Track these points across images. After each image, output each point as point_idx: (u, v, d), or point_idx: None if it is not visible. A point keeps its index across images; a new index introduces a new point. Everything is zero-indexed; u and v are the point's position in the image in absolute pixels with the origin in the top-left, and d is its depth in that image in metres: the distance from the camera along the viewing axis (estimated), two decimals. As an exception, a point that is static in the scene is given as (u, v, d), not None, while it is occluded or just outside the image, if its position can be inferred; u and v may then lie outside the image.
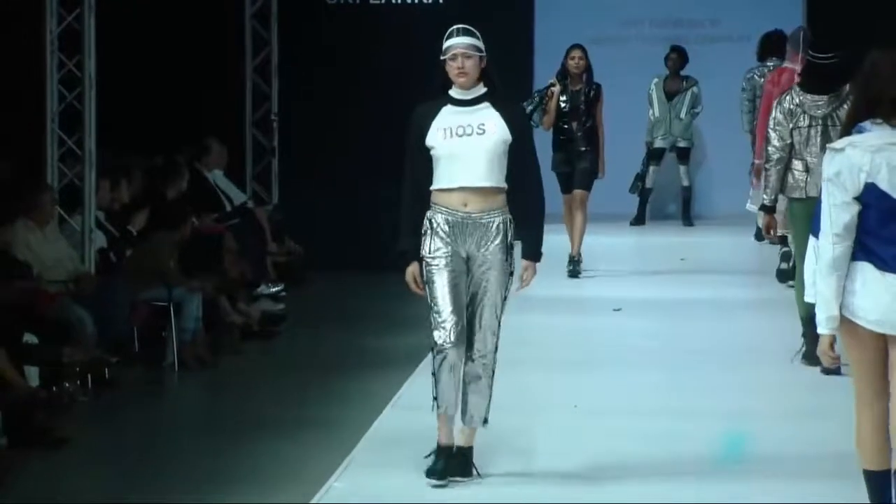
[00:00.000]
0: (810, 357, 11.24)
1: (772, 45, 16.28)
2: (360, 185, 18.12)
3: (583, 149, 15.65)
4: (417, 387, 10.83)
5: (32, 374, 11.27)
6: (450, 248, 8.45)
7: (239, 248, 15.56)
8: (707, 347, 12.79)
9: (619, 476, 8.89)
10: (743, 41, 18.34)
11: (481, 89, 8.52)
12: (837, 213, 7.16)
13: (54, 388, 11.39)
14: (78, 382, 11.79)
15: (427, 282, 8.49)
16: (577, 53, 15.74)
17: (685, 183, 19.36)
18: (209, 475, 9.75)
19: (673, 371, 11.84)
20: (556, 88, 15.49)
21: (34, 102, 13.98)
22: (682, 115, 18.91)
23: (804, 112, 11.33)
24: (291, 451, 10.18)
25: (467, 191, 8.43)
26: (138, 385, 12.71)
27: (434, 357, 8.43)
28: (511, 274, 8.59)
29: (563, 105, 15.60)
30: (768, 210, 11.74)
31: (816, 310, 7.30)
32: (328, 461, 9.19)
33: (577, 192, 15.74)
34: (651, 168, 18.86)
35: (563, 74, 15.70)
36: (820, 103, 11.22)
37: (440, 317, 8.42)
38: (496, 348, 8.54)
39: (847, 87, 9.90)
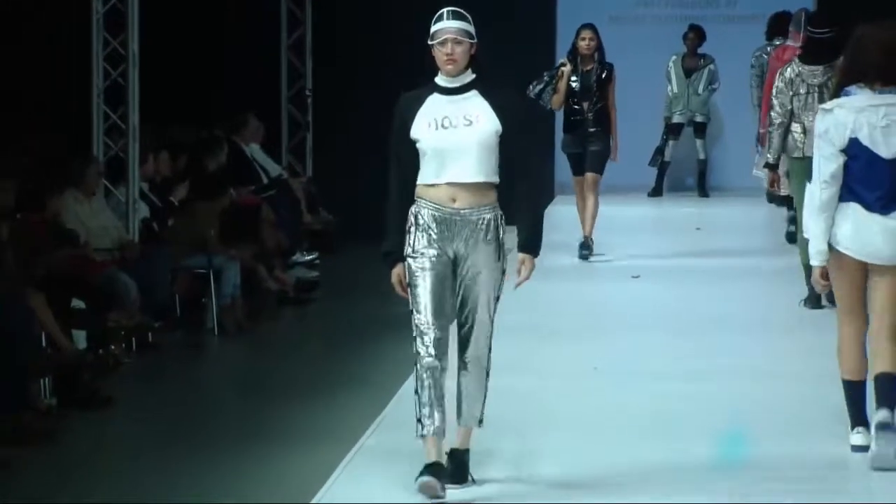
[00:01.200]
0: (813, 301, 12.34)
1: (778, 26, 16.52)
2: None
3: (593, 129, 14.77)
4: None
5: (80, 338, 11.32)
6: (436, 247, 7.42)
7: (275, 219, 15.62)
8: (722, 312, 12.82)
9: (636, 437, 8.93)
10: (757, 21, 18.30)
11: (469, 76, 7.47)
12: (826, 164, 8.13)
13: (100, 351, 11.49)
14: (123, 345, 11.92)
15: (410, 284, 7.51)
16: (587, 34, 14.78)
17: (701, 156, 19.35)
18: (247, 433, 9.83)
19: (688, 335, 11.86)
20: (567, 68, 14.61)
21: (81, 79, 14.05)
22: (700, 90, 18.93)
23: (803, 81, 12.14)
24: (326, 409, 10.24)
25: (456, 186, 7.39)
26: (179, 348, 12.79)
27: (416, 371, 7.55)
28: (503, 273, 7.54)
29: (573, 85, 14.70)
30: (772, 167, 12.53)
31: (809, 246, 8.32)
32: (361, 419, 9.21)
33: (589, 176, 14.90)
34: (670, 142, 18.91)
35: (574, 55, 14.77)
36: (816, 73, 12.00)
37: (422, 326, 7.49)
38: (490, 349, 7.57)
39: (840, 58, 10.00)
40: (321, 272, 15.53)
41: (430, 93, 7.51)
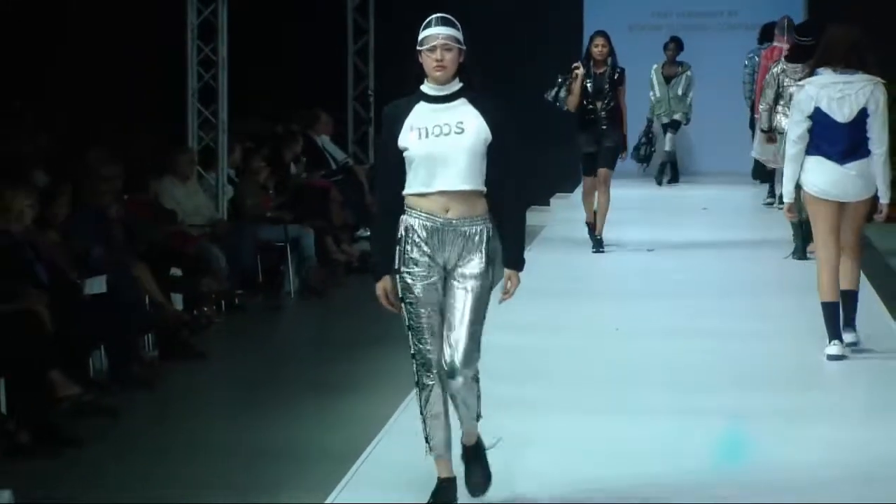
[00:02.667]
0: (798, 252, 13.34)
1: (768, 33, 17.14)
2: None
3: (605, 127, 13.94)
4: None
5: (177, 301, 11.37)
6: (427, 259, 6.41)
7: (342, 199, 15.69)
8: (721, 279, 12.85)
9: (651, 385, 9.00)
10: (756, 28, 18.28)
11: (457, 84, 6.47)
12: (795, 126, 9.51)
13: (195, 312, 11.56)
14: (213, 307, 11.98)
15: (404, 299, 6.46)
16: (600, 41, 14.02)
17: (668, 148, 19.18)
18: (318, 382, 9.88)
19: (697, 299, 11.89)
20: (581, 71, 13.80)
21: (178, 81, 14.14)
22: (679, 93, 18.84)
23: (788, 76, 13.33)
24: (385, 362, 10.24)
25: (448, 195, 6.38)
26: (261, 310, 12.79)
27: (419, 394, 6.50)
28: (491, 287, 6.55)
29: (587, 87, 13.88)
30: (766, 132, 14.06)
31: (783, 188, 9.78)
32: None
33: (602, 171, 14.08)
34: (667, 136, 18.93)
35: (588, 59, 14.01)
36: (797, 69, 12.92)
37: (422, 349, 6.45)
38: (478, 356, 6.48)
39: None
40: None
41: (417, 101, 6.52)
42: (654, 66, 18.67)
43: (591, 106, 13.95)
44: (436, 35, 6.43)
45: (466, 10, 19.20)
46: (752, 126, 16.53)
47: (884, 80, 9.39)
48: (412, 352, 6.48)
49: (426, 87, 6.49)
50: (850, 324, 9.64)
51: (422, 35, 6.48)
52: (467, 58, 6.46)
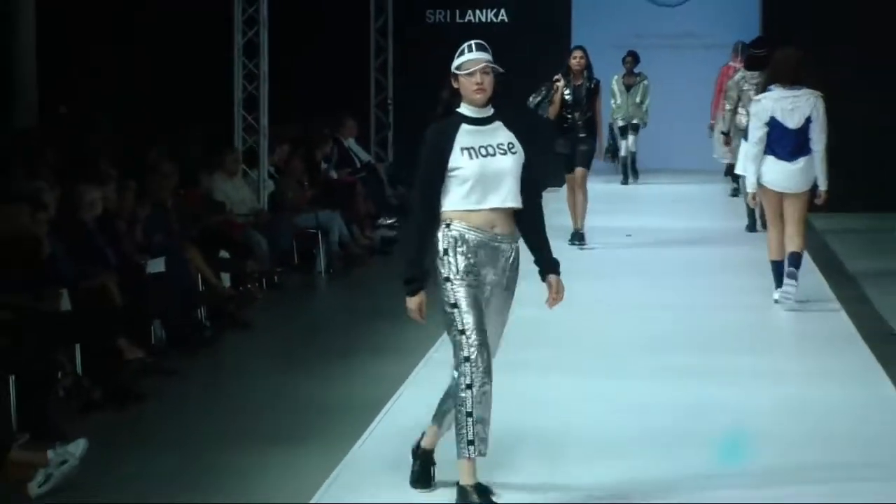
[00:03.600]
0: (751, 227, 14.06)
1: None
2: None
3: (582, 135, 13.37)
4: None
5: (226, 279, 11.36)
6: (475, 270, 5.96)
7: (366, 192, 15.70)
8: (689, 261, 12.86)
9: (628, 348, 9.03)
10: (718, 48, 18.26)
11: (491, 108, 6.09)
12: (755, 132, 10.17)
13: (241, 288, 11.54)
14: (256, 284, 11.92)
15: (456, 306, 5.92)
16: (578, 54, 13.46)
17: (632, 149, 18.87)
18: (348, 347, 9.91)
19: (667, 277, 11.92)
20: (561, 83, 13.22)
21: (226, 92, 14.17)
22: (637, 100, 18.58)
23: (746, 82, 13.62)
24: (404, 331, 10.24)
25: (497, 212, 5.98)
26: (298, 286, 12.78)
27: (470, 394, 5.84)
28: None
29: (566, 97, 13.26)
30: (726, 135, 14.31)
31: (745, 182, 10.47)
32: (429, 339, 9.29)
33: (579, 170, 13.47)
34: (625, 140, 18.70)
35: (567, 71, 13.35)
36: (755, 76, 13.13)
37: (474, 351, 5.87)
38: None
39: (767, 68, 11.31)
40: (399, 232, 15.61)
41: (460, 123, 6.06)
42: (615, 77, 18.38)
43: (569, 114, 13.39)
44: (477, 60, 6.05)
45: (479, 34, 19.27)
46: (711, 128, 16.69)
47: (822, 94, 10.12)
48: (466, 355, 5.86)
49: (466, 110, 6.07)
50: (793, 275, 10.26)
51: (460, 60, 6.10)
52: (498, 82, 6.07)
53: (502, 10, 19.07)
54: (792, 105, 10.01)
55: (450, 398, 6.03)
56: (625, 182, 18.88)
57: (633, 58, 18.52)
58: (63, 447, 6.60)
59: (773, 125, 10.06)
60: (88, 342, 8.40)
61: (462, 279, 5.93)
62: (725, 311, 10.38)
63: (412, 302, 6.03)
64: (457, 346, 5.89)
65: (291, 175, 14.23)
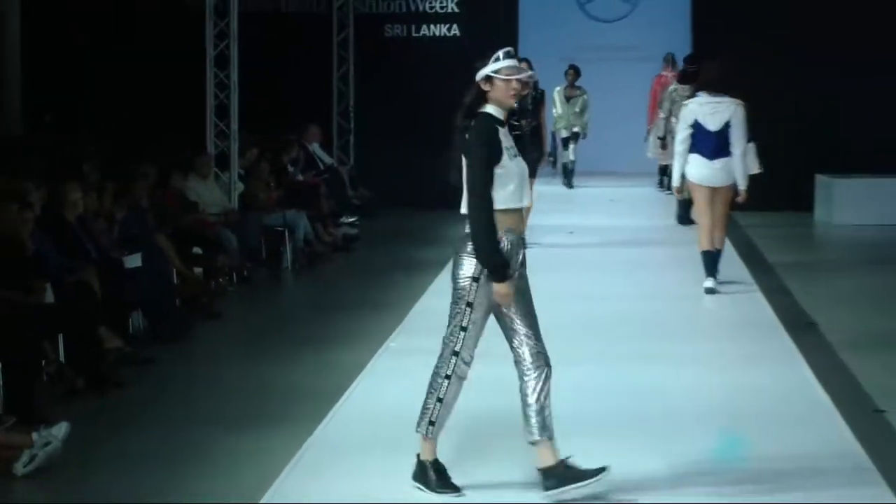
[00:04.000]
0: (681, 220, 14.22)
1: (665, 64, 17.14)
2: (410, 152, 18.23)
3: (528, 143, 12.76)
4: (442, 281, 10.97)
5: (198, 273, 11.33)
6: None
7: (328, 193, 15.67)
8: (626, 254, 12.93)
9: (572, 333, 9.05)
10: (654, 60, 18.37)
11: None
12: (681, 133, 10.52)
13: (212, 282, 11.54)
14: (227, 278, 11.92)
15: (471, 305, 5.67)
16: (522, 65, 13.66)
17: (571, 157, 18.73)
18: (312, 337, 9.87)
19: (608, 271, 11.98)
20: None
21: (199, 100, 14.11)
22: (577, 110, 18.42)
23: (679, 94, 14.10)
24: (362, 321, 10.29)
25: (523, 211, 5.82)
26: (266, 281, 12.75)
27: (447, 384, 5.72)
28: None
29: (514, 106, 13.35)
30: (661, 139, 14.99)
31: (673, 176, 10.72)
32: (387, 328, 9.32)
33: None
34: (569, 147, 18.59)
35: None
36: (686, 89, 13.57)
37: (468, 348, 5.72)
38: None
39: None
40: (360, 230, 15.61)
41: (495, 123, 5.79)
42: (557, 89, 18.21)
43: (516, 123, 12.72)
44: (516, 68, 5.79)
45: (433, 47, 19.33)
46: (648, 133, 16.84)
47: (743, 102, 10.45)
48: (457, 349, 5.67)
49: (495, 111, 5.80)
50: (713, 273, 10.70)
51: (500, 65, 5.77)
52: None
53: (454, 25, 19.10)
54: (713, 110, 10.38)
55: (533, 408, 5.70)
56: (569, 186, 18.76)
57: (574, 71, 18.41)
58: (47, 430, 6.58)
59: (697, 128, 10.43)
60: (71, 332, 8.35)
61: (486, 284, 5.63)
62: (660, 300, 10.44)
63: (505, 287, 5.61)
64: (451, 338, 5.69)
65: (260, 177, 14.17)
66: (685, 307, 10.13)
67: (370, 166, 18.38)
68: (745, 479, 5.84)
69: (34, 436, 6.51)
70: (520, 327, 5.73)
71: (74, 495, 6.31)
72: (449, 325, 5.74)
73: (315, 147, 17.01)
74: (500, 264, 5.62)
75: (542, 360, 5.71)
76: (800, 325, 9.74)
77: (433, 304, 10.11)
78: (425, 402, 5.77)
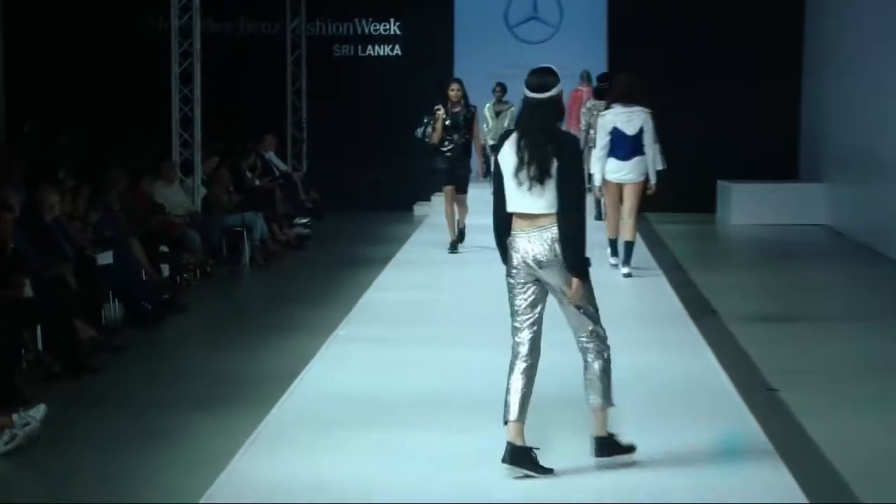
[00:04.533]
0: (598, 217, 13.76)
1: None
2: (356, 160, 18.23)
3: (459, 158, 12.45)
4: (386, 276, 10.98)
5: (165, 269, 11.28)
6: None
7: (283, 197, 15.61)
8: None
9: (491, 322, 9.04)
10: (576, 77, 18.35)
11: None
12: (601, 139, 10.75)
13: (178, 278, 11.48)
14: (192, 274, 11.86)
15: (593, 296, 5.64)
16: (455, 85, 12.43)
17: None
18: (268, 326, 9.85)
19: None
20: (441, 112, 12.31)
21: (164, 113, 14.01)
22: (506, 124, 17.26)
23: (595, 108, 13.62)
24: (313, 311, 10.30)
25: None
26: (226, 276, 12.69)
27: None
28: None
29: (447, 123, 12.26)
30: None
31: (594, 178, 10.80)
32: (336, 318, 9.25)
33: (459, 197, 12.52)
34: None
35: (446, 101, 12.38)
36: (601, 105, 13.11)
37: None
38: None
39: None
40: (311, 230, 15.58)
41: None
42: (487, 105, 17.49)
43: (448, 138, 12.36)
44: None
45: (378, 65, 19.23)
46: None
47: (651, 111, 10.68)
48: (604, 335, 5.67)
49: None
50: (628, 262, 10.85)
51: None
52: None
53: (396, 46, 19.11)
54: (627, 118, 10.64)
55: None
56: None
57: (501, 88, 17.87)
58: (26, 411, 6.54)
59: (615, 133, 10.67)
60: (48, 323, 8.27)
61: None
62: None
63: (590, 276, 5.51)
64: (597, 322, 5.59)
65: (220, 182, 14.09)
66: (600, 296, 10.14)
67: (321, 172, 18.35)
68: (649, 459, 5.72)
69: (14, 417, 6.45)
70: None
71: (51, 471, 6.25)
72: (588, 314, 5.58)
73: (271, 155, 16.93)
74: (588, 265, 5.50)
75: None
76: (702, 313, 9.83)
77: (378, 296, 10.13)
78: (609, 379, 5.61)
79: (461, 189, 12.53)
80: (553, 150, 5.42)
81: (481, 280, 10.93)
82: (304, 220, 15.69)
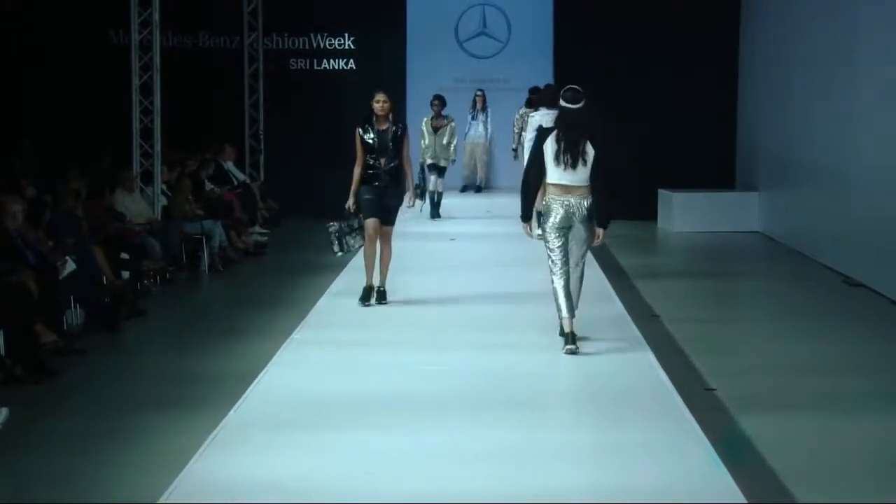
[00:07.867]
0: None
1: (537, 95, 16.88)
2: (312, 169, 18.14)
3: (386, 185, 9.47)
4: (340, 281, 10.91)
5: (125, 275, 11.18)
6: None
7: (241, 205, 15.53)
8: (499, 256, 12.90)
9: (459, 325, 9.05)
10: (523, 90, 18.37)
11: None
12: (530, 133, 11.54)
13: (138, 284, 11.39)
14: (151, 280, 11.80)
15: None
16: (381, 97, 9.45)
17: (440, 189, 16.23)
18: (227, 329, 9.82)
19: (487, 272, 11.96)
20: (360, 131, 9.42)
21: (125, 124, 13.92)
22: (444, 142, 16.24)
23: (526, 114, 14.17)
24: (271, 316, 10.25)
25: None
26: (186, 282, 12.64)
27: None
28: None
29: (370, 142, 9.40)
30: (515, 150, 15.92)
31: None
32: (292, 322, 9.17)
33: (386, 229, 9.61)
34: (432, 178, 16.11)
35: (370, 116, 9.48)
36: (531, 111, 13.67)
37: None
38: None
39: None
40: (269, 237, 15.51)
41: None
42: (424, 119, 16.18)
43: (373, 161, 9.45)
44: None
45: (335, 78, 19.15)
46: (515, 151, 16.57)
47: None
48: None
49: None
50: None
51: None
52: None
53: (351, 60, 19.09)
54: (550, 118, 10.43)
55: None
56: (434, 217, 15.84)
57: (440, 101, 16.30)
58: (-11, 414, 6.44)
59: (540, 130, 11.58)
60: (10, 327, 8.16)
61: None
62: (528, 298, 10.42)
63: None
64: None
65: (180, 191, 14.00)
66: (549, 304, 10.15)
67: (278, 182, 18.26)
68: (587, 456, 5.73)
69: (-23, 420, 6.35)
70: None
71: (13, 472, 6.16)
72: (584, 249, 8.15)
73: (230, 165, 16.85)
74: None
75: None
76: (645, 317, 9.88)
77: (332, 302, 10.06)
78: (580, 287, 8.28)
79: (387, 221, 9.64)
80: (585, 144, 7.91)
81: (435, 286, 10.96)
82: (261, 229, 15.63)
